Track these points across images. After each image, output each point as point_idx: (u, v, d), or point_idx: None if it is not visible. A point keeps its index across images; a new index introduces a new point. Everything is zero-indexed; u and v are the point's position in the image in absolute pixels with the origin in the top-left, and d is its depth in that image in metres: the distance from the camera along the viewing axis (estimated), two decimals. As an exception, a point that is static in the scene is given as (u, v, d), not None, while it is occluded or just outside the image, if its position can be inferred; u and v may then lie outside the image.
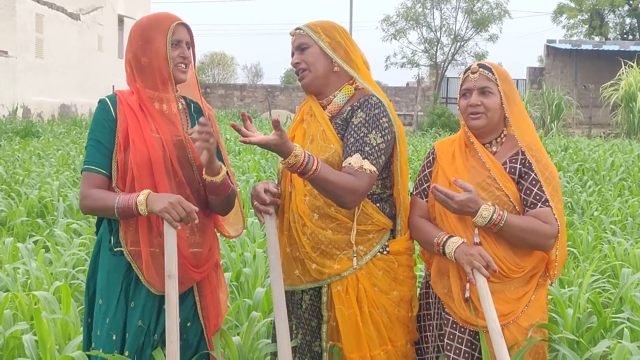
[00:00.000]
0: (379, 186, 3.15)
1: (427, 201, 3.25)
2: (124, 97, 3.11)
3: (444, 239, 3.05)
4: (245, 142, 2.82)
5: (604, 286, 5.39)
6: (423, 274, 3.50)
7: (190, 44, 3.19)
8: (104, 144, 3.06)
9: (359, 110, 3.09)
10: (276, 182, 3.24)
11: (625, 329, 4.11)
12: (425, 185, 3.27)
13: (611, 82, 29.16)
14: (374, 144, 3.02)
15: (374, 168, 2.99)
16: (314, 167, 2.86)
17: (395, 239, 3.21)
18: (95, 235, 3.23)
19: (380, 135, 3.04)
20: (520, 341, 3.02)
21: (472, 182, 3.06)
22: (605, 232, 7.50)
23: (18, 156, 13.24)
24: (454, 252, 2.99)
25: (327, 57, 3.16)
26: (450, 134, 25.61)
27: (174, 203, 2.83)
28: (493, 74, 3.12)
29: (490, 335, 2.87)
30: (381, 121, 3.07)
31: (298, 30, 3.21)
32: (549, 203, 3.03)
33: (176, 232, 2.90)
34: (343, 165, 2.99)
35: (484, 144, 3.18)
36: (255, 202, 3.11)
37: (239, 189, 3.36)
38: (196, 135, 2.88)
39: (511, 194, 3.05)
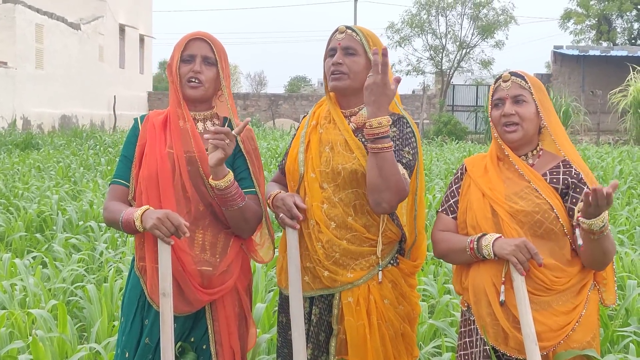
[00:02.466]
0: None
1: (453, 217, 3.15)
2: (153, 116, 3.20)
3: (477, 237, 2.93)
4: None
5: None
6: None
7: (213, 59, 3.16)
8: (128, 158, 3.16)
9: (392, 126, 3.05)
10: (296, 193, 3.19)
11: (631, 343, 4.11)
12: (452, 202, 3.18)
13: (619, 88, 29.22)
14: (408, 158, 3.04)
15: (409, 181, 3.01)
16: (388, 144, 2.87)
17: (404, 257, 3.22)
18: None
19: (411, 153, 3.06)
20: None
21: (509, 191, 2.99)
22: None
23: (17, 169, 13.23)
24: (492, 245, 2.87)
25: (368, 70, 3.04)
26: (457, 142, 25.71)
27: (161, 218, 2.84)
28: (526, 82, 3.01)
29: (524, 342, 2.75)
30: (411, 140, 3.09)
31: (351, 32, 3.15)
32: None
33: (170, 247, 2.91)
34: None
35: (519, 157, 3.07)
36: (282, 215, 3.09)
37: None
38: (210, 135, 2.86)
39: (554, 204, 2.91)
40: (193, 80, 3.11)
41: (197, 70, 3.11)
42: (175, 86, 3.13)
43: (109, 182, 3.18)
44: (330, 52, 3.18)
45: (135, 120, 3.23)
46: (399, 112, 3.15)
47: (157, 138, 3.09)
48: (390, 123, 2.89)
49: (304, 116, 3.40)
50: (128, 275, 3.23)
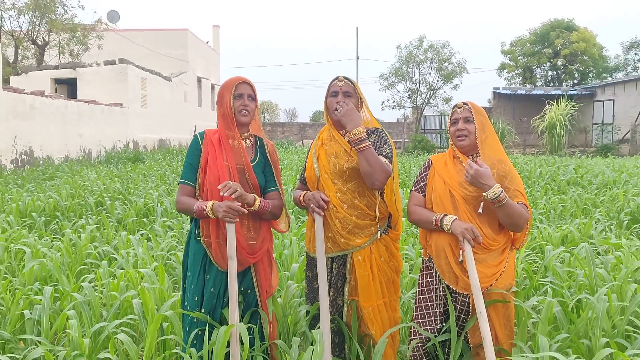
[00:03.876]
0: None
1: (423, 195, 3.19)
2: (209, 134, 3.17)
3: (441, 216, 2.99)
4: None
5: (534, 259, 5.35)
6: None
7: (254, 97, 3.17)
8: (193, 165, 3.14)
9: (373, 134, 3.19)
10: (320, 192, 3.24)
11: (549, 288, 4.08)
12: (422, 184, 3.22)
13: (539, 116, 29.12)
14: (386, 152, 3.12)
15: (390, 167, 3.09)
16: (367, 144, 3.00)
17: (391, 229, 3.27)
18: (188, 228, 3.25)
19: (389, 148, 3.15)
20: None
21: (461, 180, 3.02)
22: (535, 221, 7.45)
23: (130, 175, 13.33)
24: (451, 224, 2.93)
25: (358, 106, 3.23)
26: (427, 154, 25.61)
27: (227, 210, 2.91)
28: (472, 108, 3.08)
29: (472, 289, 2.82)
30: (387, 141, 3.19)
31: (347, 81, 3.22)
32: (523, 198, 2.98)
33: (235, 226, 2.95)
34: None
35: (468, 157, 3.11)
36: (312, 205, 3.15)
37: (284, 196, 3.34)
38: (226, 193, 2.92)
39: None
40: (243, 110, 3.13)
41: (246, 104, 3.13)
42: (228, 115, 3.12)
43: (179, 182, 3.17)
44: (332, 94, 3.23)
45: (196, 136, 3.20)
46: (378, 126, 3.27)
47: (216, 153, 3.09)
48: (364, 131, 3.02)
49: (312, 142, 3.45)
50: (187, 243, 3.22)
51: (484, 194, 2.87)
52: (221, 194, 2.92)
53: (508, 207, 2.88)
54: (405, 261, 5.19)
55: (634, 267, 4.36)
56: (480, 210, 2.96)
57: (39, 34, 24.75)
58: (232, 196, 2.92)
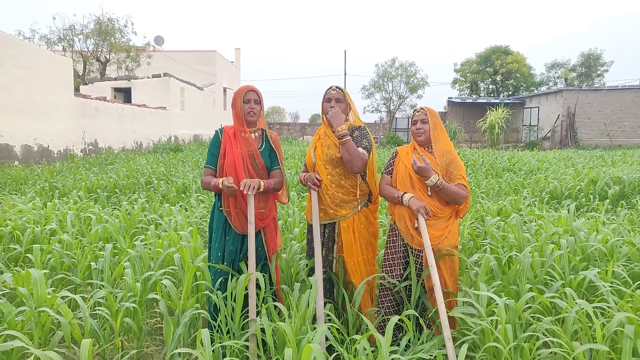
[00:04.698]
0: (364, 171, 3.16)
1: (390, 176, 3.20)
2: (227, 129, 3.15)
3: (402, 194, 3.01)
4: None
5: (477, 226, 5.36)
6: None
7: (259, 101, 3.13)
8: (215, 153, 3.12)
9: (356, 131, 3.13)
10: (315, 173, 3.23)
11: (487, 248, 4.10)
12: (390, 168, 3.22)
13: (482, 119, 29.05)
14: (365, 145, 3.07)
15: (367, 156, 3.06)
16: (348, 138, 2.98)
17: (371, 203, 3.24)
18: (213, 200, 3.21)
19: (368, 142, 3.10)
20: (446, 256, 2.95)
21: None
22: (478, 198, 7.45)
23: (172, 162, 13.25)
24: (409, 201, 2.95)
25: (347, 109, 3.17)
26: (395, 146, 25.55)
27: (246, 186, 2.93)
28: (427, 111, 3.09)
29: (425, 249, 2.82)
30: (367, 136, 3.13)
31: (339, 89, 3.16)
32: (463, 180, 3.00)
33: (253, 200, 2.94)
34: None
35: (424, 148, 3.12)
36: (309, 183, 3.14)
37: (287, 177, 3.34)
38: (246, 190, 2.93)
39: (440, 174, 2.98)
40: (251, 112, 3.10)
41: (253, 107, 3.09)
42: (239, 115, 3.09)
43: (204, 166, 3.14)
44: (327, 99, 3.18)
45: (216, 131, 3.17)
46: (361, 124, 3.20)
47: (232, 144, 3.07)
48: (347, 128, 3.00)
49: (312, 137, 3.40)
50: (212, 212, 3.20)
51: (425, 182, 2.93)
52: (241, 188, 2.93)
53: (446, 189, 2.92)
54: (381, 227, 5.19)
55: (551, 232, 4.38)
56: (429, 192, 2.99)
57: (101, 53, 24.54)
58: (249, 191, 2.92)
